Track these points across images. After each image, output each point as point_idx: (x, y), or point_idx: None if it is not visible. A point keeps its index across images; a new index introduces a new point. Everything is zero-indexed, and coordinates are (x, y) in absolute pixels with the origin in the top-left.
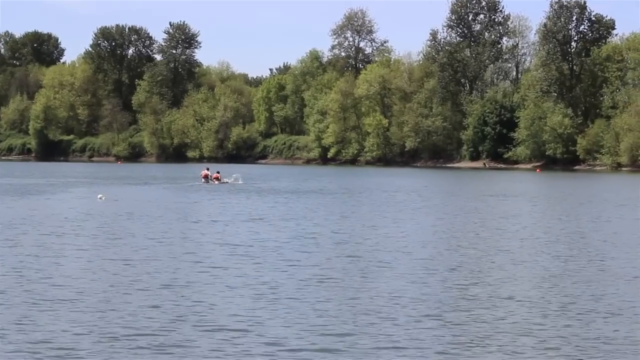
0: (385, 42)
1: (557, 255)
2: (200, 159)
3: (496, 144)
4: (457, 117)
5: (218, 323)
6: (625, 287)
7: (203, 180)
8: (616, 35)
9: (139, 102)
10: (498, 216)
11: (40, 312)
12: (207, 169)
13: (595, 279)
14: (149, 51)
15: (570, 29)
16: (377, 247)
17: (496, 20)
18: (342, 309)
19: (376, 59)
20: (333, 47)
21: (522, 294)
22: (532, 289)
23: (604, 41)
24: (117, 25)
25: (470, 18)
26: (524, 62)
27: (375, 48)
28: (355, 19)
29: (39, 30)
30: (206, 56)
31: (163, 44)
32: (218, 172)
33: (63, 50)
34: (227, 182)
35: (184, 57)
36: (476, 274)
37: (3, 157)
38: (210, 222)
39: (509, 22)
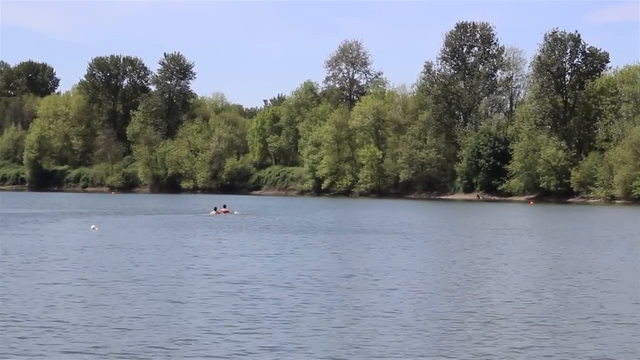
0: (379, 74)
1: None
2: (194, 190)
3: (490, 176)
4: (451, 149)
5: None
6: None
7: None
8: (610, 68)
9: (133, 133)
10: (498, 251)
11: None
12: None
13: (593, 317)
14: (143, 82)
15: (565, 62)
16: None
17: (490, 52)
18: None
19: (370, 90)
20: (327, 79)
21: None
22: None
23: (598, 74)
24: (112, 56)
25: (464, 50)
26: (518, 95)
27: (369, 80)
28: (350, 51)
29: (34, 61)
30: (201, 87)
31: (158, 74)
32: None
33: (58, 80)
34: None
35: (178, 88)
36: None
37: None
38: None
39: (503, 55)
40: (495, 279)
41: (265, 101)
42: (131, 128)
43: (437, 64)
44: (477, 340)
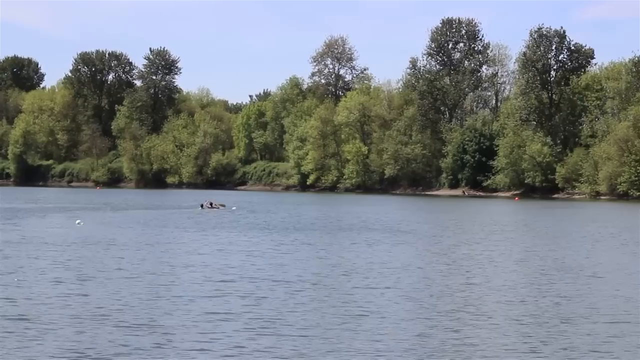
0: (365, 69)
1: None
2: (180, 185)
3: (475, 172)
4: (436, 145)
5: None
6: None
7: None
8: (595, 64)
9: (118, 128)
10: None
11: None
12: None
13: (582, 318)
14: (129, 77)
15: (550, 58)
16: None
17: (476, 48)
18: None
19: (356, 86)
20: (313, 74)
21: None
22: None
23: (583, 70)
24: (97, 51)
25: (450, 46)
26: (503, 91)
27: (355, 75)
28: (336, 47)
29: (19, 55)
30: (186, 82)
31: (143, 69)
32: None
33: (43, 75)
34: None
35: (163, 83)
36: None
37: None
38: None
39: (488, 51)
40: (482, 276)
41: (250, 96)
42: (116, 123)
43: (423, 60)
44: (465, 336)
